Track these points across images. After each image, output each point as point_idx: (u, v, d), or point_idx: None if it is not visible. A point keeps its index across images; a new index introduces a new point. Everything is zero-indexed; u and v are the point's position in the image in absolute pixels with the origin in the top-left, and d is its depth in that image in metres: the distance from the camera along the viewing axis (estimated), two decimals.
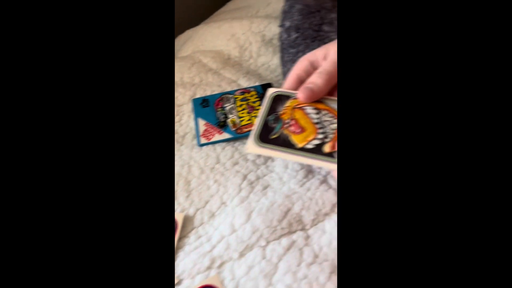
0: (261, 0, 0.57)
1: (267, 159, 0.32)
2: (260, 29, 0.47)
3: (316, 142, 0.26)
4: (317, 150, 0.25)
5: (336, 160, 0.24)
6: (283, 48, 0.33)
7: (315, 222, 0.27)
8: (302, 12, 0.31)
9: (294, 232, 0.26)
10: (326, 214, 0.27)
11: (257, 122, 0.28)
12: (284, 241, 0.25)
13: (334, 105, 0.27)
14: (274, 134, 0.27)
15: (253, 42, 0.46)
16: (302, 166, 0.31)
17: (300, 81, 0.29)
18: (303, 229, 0.26)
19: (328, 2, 0.31)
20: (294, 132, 0.26)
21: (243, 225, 0.26)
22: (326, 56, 0.28)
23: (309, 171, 0.30)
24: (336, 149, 0.25)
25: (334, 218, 0.27)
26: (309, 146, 0.25)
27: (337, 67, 0.26)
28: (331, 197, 0.28)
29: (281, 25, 0.33)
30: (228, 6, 0.60)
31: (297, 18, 0.31)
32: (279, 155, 0.26)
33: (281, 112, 0.28)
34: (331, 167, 0.24)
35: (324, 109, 0.27)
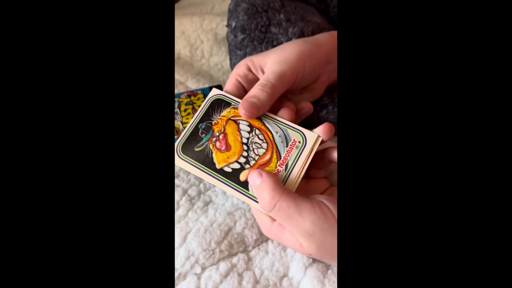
0: None
1: None
2: (212, 27, 0.43)
3: (236, 166, 0.23)
4: (233, 176, 0.23)
5: (248, 192, 0.22)
6: (231, 49, 0.30)
7: (258, 242, 0.24)
8: (248, 12, 0.28)
9: (235, 254, 0.23)
10: None
11: (187, 128, 0.25)
12: (223, 266, 0.22)
13: (270, 124, 0.25)
14: (199, 147, 0.24)
15: (204, 41, 0.43)
16: None
17: (240, 86, 0.26)
18: (244, 250, 0.24)
19: (276, 2, 0.29)
20: (218, 149, 0.24)
21: (177, 250, 0.23)
22: (262, 66, 0.26)
23: None
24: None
25: None
26: (227, 169, 0.23)
27: (281, 81, 0.24)
28: None
29: (227, 25, 0.30)
30: (182, 2, 0.56)
31: (243, 18, 0.28)
32: (197, 173, 0.23)
33: (215, 122, 0.25)
34: (242, 198, 0.22)
35: (258, 128, 0.25)
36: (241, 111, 0.24)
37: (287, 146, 0.24)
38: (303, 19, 0.29)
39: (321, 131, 0.24)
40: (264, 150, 0.24)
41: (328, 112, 0.28)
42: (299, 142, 0.24)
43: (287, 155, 0.23)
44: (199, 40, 0.43)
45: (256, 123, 0.25)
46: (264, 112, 0.25)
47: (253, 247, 0.24)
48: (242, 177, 0.23)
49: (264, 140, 0.24)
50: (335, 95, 0.29)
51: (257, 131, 0.24)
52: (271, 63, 0.25)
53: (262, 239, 0.25)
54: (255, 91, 0.24)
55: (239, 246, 0.24)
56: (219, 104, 0.26)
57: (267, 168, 0.23)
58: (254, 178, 0.21)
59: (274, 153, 0.23)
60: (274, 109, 0.25)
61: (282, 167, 0.23)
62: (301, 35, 0.28)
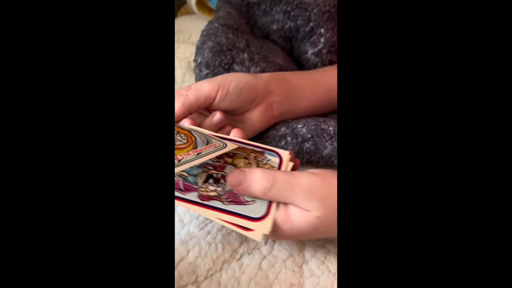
0: (195, 25, 0.55)
1: None
2: (187, 55, 0.44)
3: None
4: None
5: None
6: (196, 82, 0.31)
7: (210, 272, 0.24)
8: (213, 50, 0.29)
9: (184, 286, 0.23)
10: (225, 261, 0.25)
11: None
12: None
13: (197, 134, 0.25)
14: None
15: (178, 68, 0.43)
16: None
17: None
18: (195, 281, 0.23)
19: (242, 41, 0.31)
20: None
21: None
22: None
23: None
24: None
25: (233, 266, 0.25)
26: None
27: (195, 93, 0.26)
28: (233, 241, 0.26)
29: (194, 60, 0.31)
30: None
31: (208, 55, 0.29)
32: None
33: None
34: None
35: (184, 134, 0.25)
36: None
37: (206, 145, 0.24)
38: (266, 60, 0.30)
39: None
40: (181, 142, 0.24)
41: (287, 143, 0.29)
42: (220, 145, 0.24)
43: (204, 148, 0.24)
44: None
45: (183, 131, 0.26)
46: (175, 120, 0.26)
47: (205, 278, 0.24)
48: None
49: (186, 138, 0.24)
50: (295, 126, 0.30)
51: (182, 135, 0.25)
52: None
53: (215, 269, 0.24)
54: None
55: (189, 277, 0.23)
56: None
57: (179, 151, 0.23)
58: (237, 175, 0.22)
59: (191, 145, 0.24)
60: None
61: (194, 153, 0.23)
62: None
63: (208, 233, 0.26)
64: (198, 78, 0.31)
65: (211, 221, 0.27)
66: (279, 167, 0.25)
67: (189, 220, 0.27)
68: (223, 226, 0.27)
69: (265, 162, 0.25)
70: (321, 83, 0.33)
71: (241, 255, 0.26)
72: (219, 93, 0.27)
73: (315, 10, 0.32)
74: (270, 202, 0.23)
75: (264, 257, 0.26)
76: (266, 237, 0.24)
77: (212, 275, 0.24)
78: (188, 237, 0.25)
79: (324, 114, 0.34)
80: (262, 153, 0.26)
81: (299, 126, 0.30)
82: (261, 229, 0.21)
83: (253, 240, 0.27)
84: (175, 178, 0.23)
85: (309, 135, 0.29)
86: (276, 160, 0.26)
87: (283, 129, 0.30)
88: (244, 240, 0.27)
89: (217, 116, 0.28)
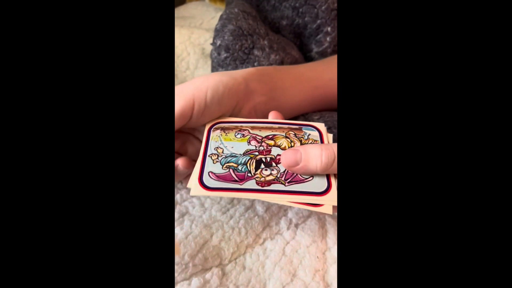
0: (206, 12, 0.54)
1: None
2: (200, 42, 0.43)
3: None
4: None
5: None
6: (213, 66, 0.31)
7: (234, 256, 0.24)
8: (234, 33, 0.28)
9: (209, 269, 0.23)
10: (249, 246, 0.25)
11: None
12: (195, 282, 0.22)
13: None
14: None
15: (191, 53, 0.43)
16: None
17: None
18: (220, 264, 0.23)
19: (262, 28, 0.30)
20: None
21: None
22: None
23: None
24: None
25: (256, 250, 0.25)
26: None
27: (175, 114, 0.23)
28: (256, 225, 0.26)
29: (213, 43, 0.31)
30: None
31: (228, 39, 0.29)
32: None
33: None
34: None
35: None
36: None
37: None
38: (284, 50, 0.30)
39: None
40: None
41: None
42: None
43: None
44: (185, 52, 0.43)
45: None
46: None
47: (230, 261, 0.23)
48: None
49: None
50: (311, 118, 0.30)
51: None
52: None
53: (239, 252, 0.24)
54: None
55: (214, 260, 0.23)
56: None
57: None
58: (293, 155, 0.21)
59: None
60: None
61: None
62: (281, 64, 0.29)
63: (231, 217, 0.26)
64: (216, 62, 0.30)
65: (233, 205, 0.27)
66: (321, 141, 0.25)
67: (210, 204, 0.27)
68: (245, 211, 0.27)
69: (306, 138, 0.25)
70: (306, 78, 0.29)
71: (264, 240, 0.26)
72: (195, 109, 0.22)
73: (323, 7, 0.31)
74: (328, 175, 0.22)
75: (287, 243, 0.26)
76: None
77: (236, 259, 0.24)
78: (211, 221, 0.25)
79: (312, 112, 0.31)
80: (300, 129, 0.26)
81: (315, 118, 0.30)
82: (329, 201, 0.21)
83: (275, 225, 0.26)
84: (225, 171, 0.23)
85: (327, 127, 0.29)
86: (315, 134, 0.25)
87: (300, 119, 0.29)
88: (267, 225, 0.26)
89: (178, 168, 0.23)
